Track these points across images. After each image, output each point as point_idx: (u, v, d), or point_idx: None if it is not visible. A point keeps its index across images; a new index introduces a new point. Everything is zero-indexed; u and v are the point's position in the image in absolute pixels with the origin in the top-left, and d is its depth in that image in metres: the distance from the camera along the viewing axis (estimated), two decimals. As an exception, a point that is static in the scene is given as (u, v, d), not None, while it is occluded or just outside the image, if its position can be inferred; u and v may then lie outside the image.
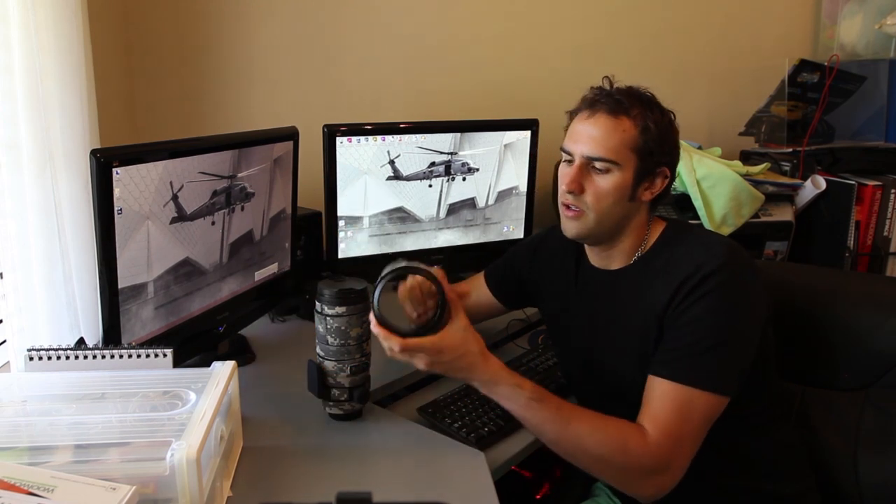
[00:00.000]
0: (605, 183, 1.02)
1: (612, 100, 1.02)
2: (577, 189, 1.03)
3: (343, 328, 1.06)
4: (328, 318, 1.07)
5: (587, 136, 1.03)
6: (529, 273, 1.28)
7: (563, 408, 0.97)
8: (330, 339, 1.07)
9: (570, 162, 1.06)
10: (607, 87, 1.06)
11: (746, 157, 2.06)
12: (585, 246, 1.15)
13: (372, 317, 1.01)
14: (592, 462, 0.96)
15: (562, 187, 1.05)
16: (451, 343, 0.99)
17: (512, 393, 0.98)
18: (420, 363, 0.99)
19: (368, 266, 1.65)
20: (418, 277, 1.09)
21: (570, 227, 1.07)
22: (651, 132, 1.01)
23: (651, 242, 1.08)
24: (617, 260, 1.10)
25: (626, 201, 1.04)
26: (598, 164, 1.02)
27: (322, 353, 1.09)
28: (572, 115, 1.08)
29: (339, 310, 1.06)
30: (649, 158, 1.03)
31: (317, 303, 1.08)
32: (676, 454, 0.94)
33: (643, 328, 1.01)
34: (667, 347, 0.98)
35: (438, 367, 1.00)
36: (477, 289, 1.37)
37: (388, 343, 0.99)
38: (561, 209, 1.08)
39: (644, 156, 1.02)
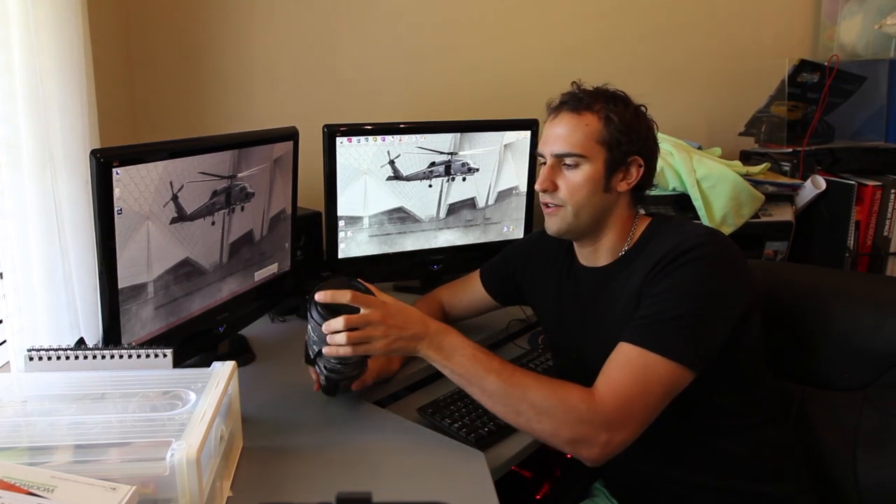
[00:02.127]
0: (576, 177, 1.06)
1: (574, 98, 1.07)
2: (550, 187, 1.07)
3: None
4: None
5: (554, 136, 1.07)
6: (523, 273, 1.29)
7: (508, 363, 1.00)
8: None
9: (543, 164, 1.09)
10: (576, 89, 1.09)
11: (746, 157, 2.06)
12: (574, 245, 1.16)
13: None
14: (535, 416, 0.95)
15: (536, 188, 1.09)
16: (394, 303, 1.03)
17: (461, 344, 1.01)
18: (374, 317, 0.98)
19: (368, 266, 1.65)
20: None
21: (550, 224, 1.11)
22: (615, 122, 1.05)
23: (636, 238, 1.10)
24: (603, 256, 1.12)
25: (602, 192, 1.06)
26: (567, 160, 1.06)
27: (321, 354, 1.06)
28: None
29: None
30: (618, 148, 1.05)
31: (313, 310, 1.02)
32: (622, 414, 0.92)
33: (625, 316, 1.02)
34: (636, 315, 0.99)
35: (393, 324, 0.99)
36: (472, 286, 1.39)
37: (336, 297, 0.98)
38: (543, 209, 1.11)
39: (612, 146, 1.05)
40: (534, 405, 0.94)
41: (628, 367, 0.94)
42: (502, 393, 0.96)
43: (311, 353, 1.07)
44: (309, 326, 1.05)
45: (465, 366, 0.99)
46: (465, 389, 1.01)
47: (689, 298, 0.97)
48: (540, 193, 1.09)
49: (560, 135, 1.06)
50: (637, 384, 0.93)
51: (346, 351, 1.00)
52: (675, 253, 0.99)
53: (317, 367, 1.09)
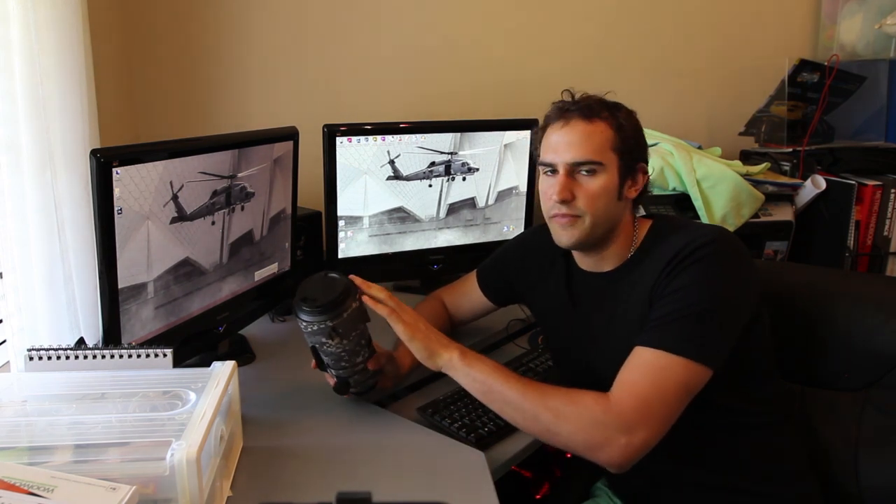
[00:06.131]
0: (593, 185, 1.04)
1: (582, 106, 1.05)
2: (569, 196, 1.03)
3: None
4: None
5: (566, 144, 1.04)
6: (518, 276, 1.28)
7: (524, 376, 1.03)
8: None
9: (551, 174, 1.07)
10: (569, 98, 1.08)
11: (746, 157, 2.06)
12: (574, 251, 1.14)
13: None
14: (553, 420, 0.95)
15: (552, 198, 1.05)
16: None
17: (484, 357, 1.04)
18: (406, 315, 1.05)
19: (368, 266, 1.65)
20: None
21: (566, 236, 1.06)
22: (626, 130, 1.05)
23: (640, 240, 1.09)
24: (609, 262, 1.10)
25: (616, 201, 1.06)
26: (584, 168, 1.04)
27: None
28: (542, 130, 1.10)
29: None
30: (629, 156, 1.05)
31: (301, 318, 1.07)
32: (640, 414, 0.92)
33: (639, 319, 1.01)
34: (652, 318, 0.98)
35: (422, 325, 1.05)
36: (471, 291, 1.38)
37: (381, 295, 1.06)
38: (552, 222, 1.08)
39: (624, 154, 1.05)
40: (552, 409, 0.95)
41: (643, 368, 0.94)
42: (521, 399, 0.97)
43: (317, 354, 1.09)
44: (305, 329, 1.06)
45: (486, 371, 1.00)
46: (482, 399, 1.01)
47: (699, 296, 0.96)
48: (555, 204, 1.05)
49: (575, 142, 1.03)
50: (653, 384, 0.93)
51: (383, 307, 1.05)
52: (685, 252, 0.98)
53: (327, 369, 1.11)
